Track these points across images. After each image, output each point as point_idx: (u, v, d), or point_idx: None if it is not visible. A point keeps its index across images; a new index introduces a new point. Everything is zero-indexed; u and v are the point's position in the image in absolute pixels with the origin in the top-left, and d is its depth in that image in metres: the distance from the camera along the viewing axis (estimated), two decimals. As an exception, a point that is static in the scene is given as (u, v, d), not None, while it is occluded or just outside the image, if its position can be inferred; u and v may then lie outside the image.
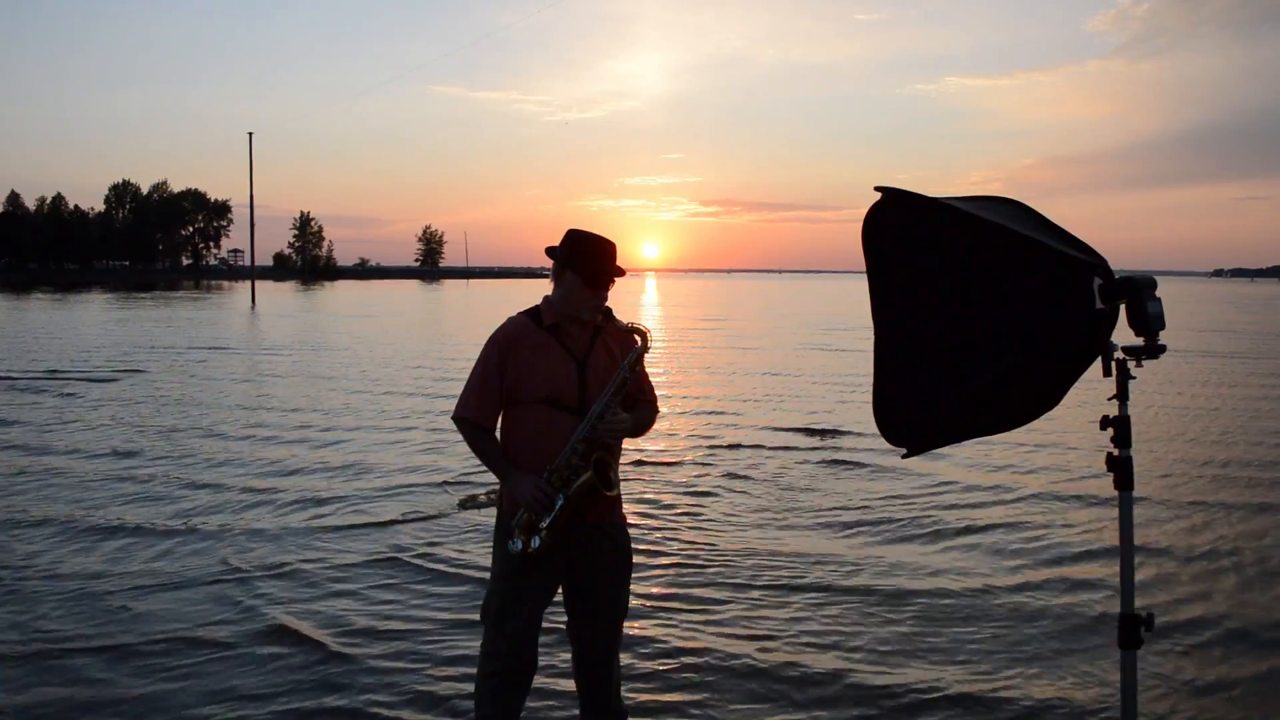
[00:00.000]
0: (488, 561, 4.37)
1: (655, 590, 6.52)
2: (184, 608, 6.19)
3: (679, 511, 8.72)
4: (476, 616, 4.08)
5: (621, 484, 3.90)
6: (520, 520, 3.67)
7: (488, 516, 8.07)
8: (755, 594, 6.48)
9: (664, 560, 7.22)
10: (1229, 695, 4.99)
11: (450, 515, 8.49)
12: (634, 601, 4.69)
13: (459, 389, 3.85)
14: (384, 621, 5.96)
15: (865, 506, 8.88)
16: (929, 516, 8.47)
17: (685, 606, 6.24)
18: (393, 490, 9.48)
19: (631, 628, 5.52)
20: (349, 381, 18.96)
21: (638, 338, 3.81)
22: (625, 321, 3.84)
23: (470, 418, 3.79)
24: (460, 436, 3.87)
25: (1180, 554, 7.44)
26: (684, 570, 6.98)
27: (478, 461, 4.00)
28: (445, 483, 9.75)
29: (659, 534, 7.94)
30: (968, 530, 8.04)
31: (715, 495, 9.40)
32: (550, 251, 3.82)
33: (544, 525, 3.63)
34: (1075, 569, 7.00)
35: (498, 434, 3.85)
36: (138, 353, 24.70)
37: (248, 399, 16.40)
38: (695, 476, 10.25)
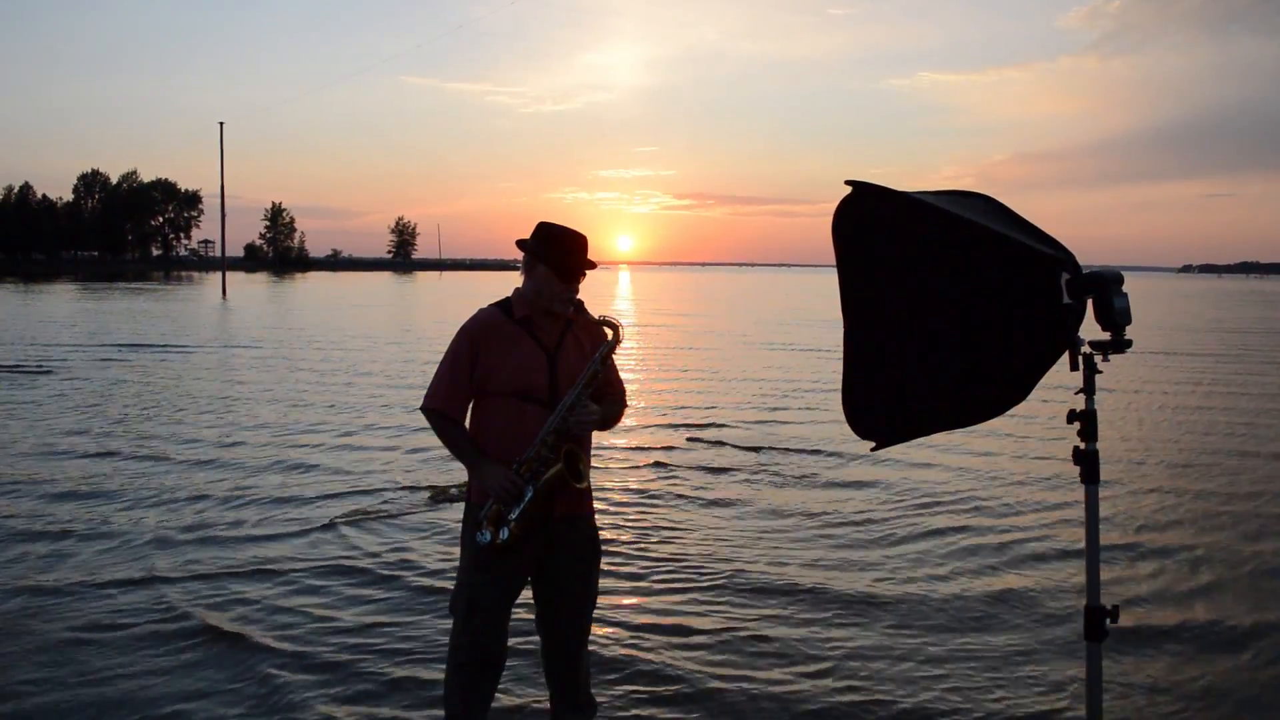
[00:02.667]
0: (454, 555, 4.36)
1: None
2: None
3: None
4: (444, 608, 4.06)
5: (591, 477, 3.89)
6: (488, 512, 3.66)
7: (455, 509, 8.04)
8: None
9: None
10: (1192, 687, 5.05)
11: (419, 509, 8.45)
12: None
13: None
14: (349, 614, 5.93)
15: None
16: (885, 520, 8.52)
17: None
18: (360, 483, 9.43)
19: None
20: (324, 387, 18.35)
21: (609, 331, 3.81)
22: (597, 315, 3.84)
23: (439, 408, 3.77)
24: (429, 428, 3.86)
25: (1146, 548, 7.51)
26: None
27: (446, 453, 3.96)
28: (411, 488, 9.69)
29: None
30: (925, 531, 8.08)
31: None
32: (521, 244, 3.82)
33: (512, 517, 3.62)
34: (1039, 563, 7.06)
35: (467, 426, 3.84)
36: (62, 349, 22.50)
37: (159, 407, 14.13)
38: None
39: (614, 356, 3.85)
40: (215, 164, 66.11)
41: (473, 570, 3.76)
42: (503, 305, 3.84)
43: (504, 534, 3.63)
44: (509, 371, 3.71)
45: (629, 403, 4.06)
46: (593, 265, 3.83)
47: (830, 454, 10.96)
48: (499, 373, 3.71)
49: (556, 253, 3.74)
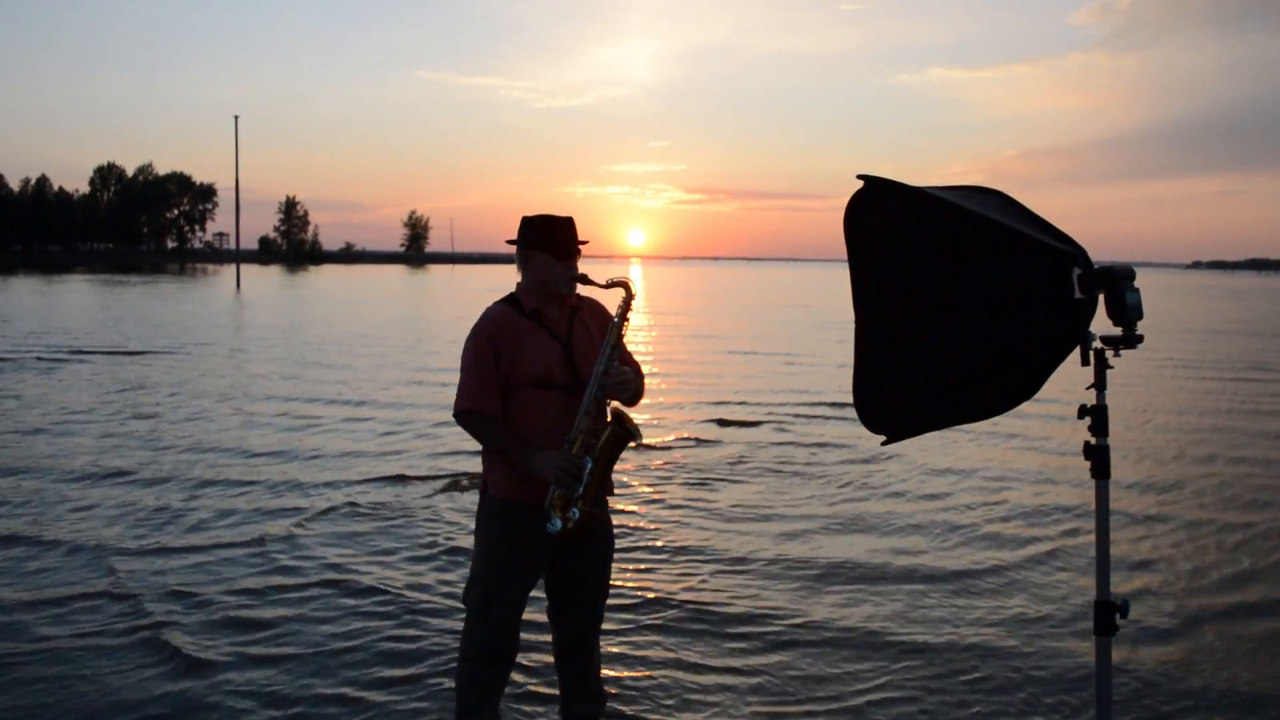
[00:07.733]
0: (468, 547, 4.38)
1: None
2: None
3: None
4: (458, 599, 4.07)
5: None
6: (553, 499, 3.65)
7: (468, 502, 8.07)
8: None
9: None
10: (1203, 682, 5.03)
11: (431, 502, 8.48)
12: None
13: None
14: (359, 604, 5.97)
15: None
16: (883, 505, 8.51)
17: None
18: (371, 477, 9.47)
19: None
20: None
21: (621, 290, 3.83)
22: (604, 280, 3.85)
23: (476, 409, 3.75)
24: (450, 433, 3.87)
25: (1157, 542, 7.50)
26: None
27: (442, 451, 3.98)
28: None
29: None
30: (930, 525, 8.08)
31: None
32: (513, 241, 3.85)
33: (578, 494, 3.63)
34: (1047, 557, 7.05)
35: None
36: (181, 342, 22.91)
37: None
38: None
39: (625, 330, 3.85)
40: (230, 157, 67.08)
41: (488, 564, 3.78)
42: (510, 301, 3.86)
43: (574, 514, 3.64)
44: (530, 363, 3.74)
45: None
46: (584, 242, 3.86)
47: (838, 447, 10.98)
48: (521, 366, 3.74)
49: (547, 235, 3.78)
